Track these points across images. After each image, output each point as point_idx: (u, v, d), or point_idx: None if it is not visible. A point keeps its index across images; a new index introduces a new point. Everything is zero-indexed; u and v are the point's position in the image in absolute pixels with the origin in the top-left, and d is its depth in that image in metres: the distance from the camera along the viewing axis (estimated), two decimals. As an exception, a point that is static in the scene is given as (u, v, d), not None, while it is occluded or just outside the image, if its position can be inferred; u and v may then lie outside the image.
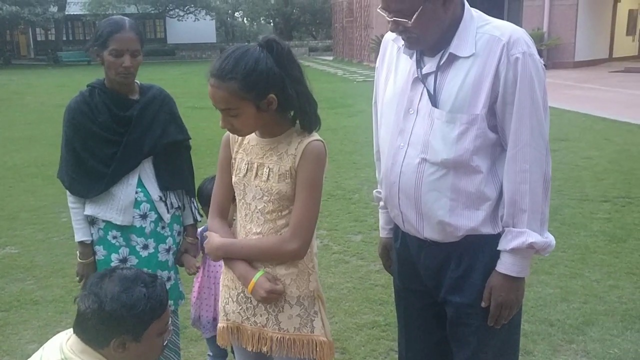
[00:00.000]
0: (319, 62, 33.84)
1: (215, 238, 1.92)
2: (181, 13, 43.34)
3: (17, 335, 3.55)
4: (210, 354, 2.94)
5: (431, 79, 1.74)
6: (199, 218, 2.73)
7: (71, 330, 1.69)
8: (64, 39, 43.31)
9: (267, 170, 1.84)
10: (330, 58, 36.64)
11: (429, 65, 1.76)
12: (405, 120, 1.80)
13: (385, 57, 1.96)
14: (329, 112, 12.37)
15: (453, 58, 1.71)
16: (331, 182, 6.75)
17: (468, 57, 1.69)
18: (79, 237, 2.51)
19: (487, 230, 1.76)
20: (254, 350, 1.94)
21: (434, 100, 1.73)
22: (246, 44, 1.79)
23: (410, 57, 1.82)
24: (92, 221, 2.51)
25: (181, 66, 31.80)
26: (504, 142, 1.73)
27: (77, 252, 2.54)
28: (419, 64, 1.78)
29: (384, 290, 3.99)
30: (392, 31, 1.75)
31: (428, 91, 1.74)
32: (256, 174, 1.86)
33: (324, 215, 5.54)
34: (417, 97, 1.78)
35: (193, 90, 15.74)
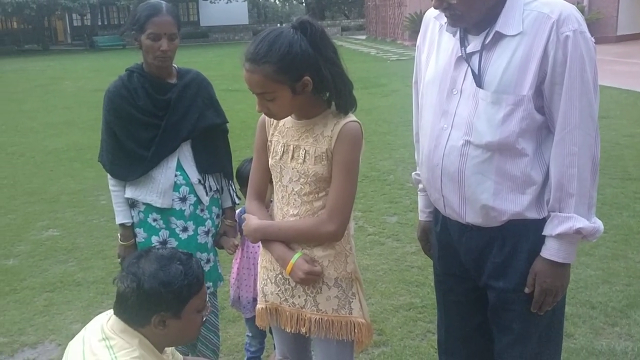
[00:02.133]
0: (351, 41, 33.55)
1: (253, 220, 1.93)
2: (213, -5, 43.46)
3: (62, 315, 3.65)
4: (250, 334, 2.97)
5: (476, 58, 1.68)
6: (237, 200, 2.74)
7: (111, 311, 1.73)
8: (99, 23, 43.94)
9: (303, 153, 1.83)
10: (363, 37, 36.32)
11: (474, 44, 1.70)
12: (448, 101, 1.75)
13: (426, 35, 1.91)
14: (362, 92, 12.26)
15: (499, 37, 1.65)
16: (365, 163, 6.71)
17: (515, 35, 1.62)
18: (119, 219, 2.55)
19: (532, 214, 1.71)
20: (292, 331, 1.95)
21: (478, 81, 1.67)
22: (279, 26, 1.77)
23: (454, 35, 1.76)
24: (132, 204, 2.55)
25: (214, 49, 31.98)
26: (551, 124, 1.67)
27: (118, 234, 2.59)
28: (463, 42, 1.72)
29: (420, 272, 3.97)
30: (436, 8, 1.69)
31: (472, 71, 1.68)
32: (292, 156, 1.86)
33: (359, 197, 5.52)
34: (460, 77, 1.72)
35: (227, 72, 15.82)
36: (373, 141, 7.87)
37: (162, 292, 1.62)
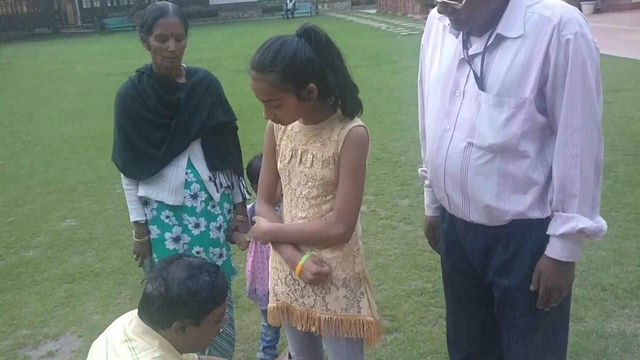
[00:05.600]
0: (361, 16, 33.19)
1: (263, 223, 1.97)
2: (222, -28, 43.00)
3: (82, 307, 3.73)
4: (265, 324, 3.03)
5: (478, 61, 1.70)
6: (247, 196, 2.79)
7: (133, 312, 1.80)
8: (109, 5, 43.78)
9: (311, 157, 1.86)
10: (374, 11, 35.88)
11: (476, 46, 1.71)
12: (451, 102, 1.77)
13: (430, 35, 1.92)
14: (372, 69, 12.19)
15: (500, 39, 1.66)
16: (376, 144, 6.68)
17: (516, 38, 1.63)
18: (133, 217, 2.62)
19: (535, 214, 1.73)
20: (303, 330, 2.00)
21: (480, 83, 1.69)
22: (284, 35, 1.79)
23: (456, 37, 1.77)
24: (145, 202, 2.61)
25: (224, 28, 31.71)
26: (553, 126, 1.68)
27: (133, 231, 2.65)
28: (465, 44, 1.74)
29: (432, 256, 3.97)
30: (440, 13, 1.70)
31: (475, 73, 1.70)
32: (300, 160, 1.89)
33: (370, 180, 5.52)
34: (463, 79, 1.74)
35: (237, 52, 15.71)
36: (384, 121, 7.84)
37: (188, 300, 1.69)
